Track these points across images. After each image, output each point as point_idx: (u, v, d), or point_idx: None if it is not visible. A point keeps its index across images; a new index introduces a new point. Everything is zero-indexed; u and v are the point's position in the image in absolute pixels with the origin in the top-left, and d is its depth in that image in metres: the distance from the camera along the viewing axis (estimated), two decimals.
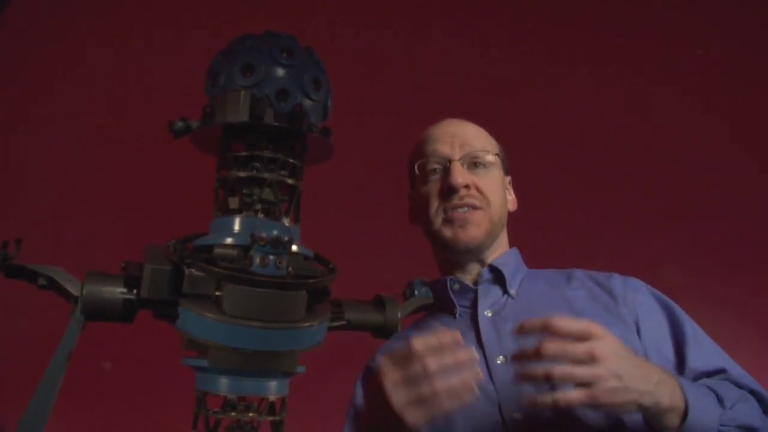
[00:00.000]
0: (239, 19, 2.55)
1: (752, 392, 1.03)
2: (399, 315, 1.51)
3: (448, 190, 1.11)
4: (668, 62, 3.19)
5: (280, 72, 1.35)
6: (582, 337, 0.81)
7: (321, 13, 2.84)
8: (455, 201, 1.11)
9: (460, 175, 1.12)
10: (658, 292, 1.16)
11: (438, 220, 1.15)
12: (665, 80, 3.16)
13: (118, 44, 2.61)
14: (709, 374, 1.04)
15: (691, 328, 1.10)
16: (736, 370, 1.06)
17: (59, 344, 1.29)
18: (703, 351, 1.07)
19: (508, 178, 1.25)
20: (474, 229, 1.12)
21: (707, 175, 3.10)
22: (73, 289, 1.30)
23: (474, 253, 1.14)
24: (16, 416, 1.27)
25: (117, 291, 1.30)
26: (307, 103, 1.37)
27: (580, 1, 3.20)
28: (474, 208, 1.13)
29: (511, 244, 1.28)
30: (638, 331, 1.08)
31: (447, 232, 1.13)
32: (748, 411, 0.96)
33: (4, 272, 1.29)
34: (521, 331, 0.85)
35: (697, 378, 1.04)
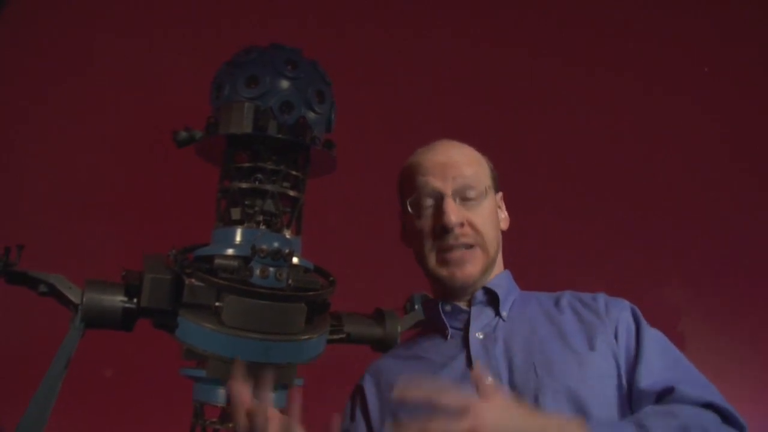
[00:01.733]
0: (244, 28, 2.56)
1: (709, 405, 1.01)
2: (399, 329, 1.51)
3: (442, 230, 1.10)
4: (675, 79, 3.18)
5: (285, 84, 1.36)
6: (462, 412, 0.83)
7: (327, 23, 2.85)
8: (450, 241, 1.10)
9: (453, 214, 1.10)
10: (638, 312, 1.15)
11: (432, 259, 1.13)
12: (672, 97, 3.15)
13: (123, 50, 2.61)
14: (658, 394, 1.03)
15: (651, 344, 1.08)
16: (687, 384, 1.03)
17: (58, 351, 1.30)
18: (651, 368, 1.05)
19: (500, 195, 1.23)
20: (470, 268, 1.11)
21: (712, 193, 3.09)
22: (74, 297, 1.30)
23: (470, 289, 1.14)
24: (15, 422, 1.27)
25: (117, 299, 1.30)
26: (311, 115, 1.37)
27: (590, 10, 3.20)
28: (469, 246, 1.12)
29: (511, 263, 1.27)
30: (617, 338, 1.08)
31: (443, 272, 1.12)
32: None
33: (5, 278, 1.30)
34: (402, 394, 0.87)
35: (645, 398, 1.03)
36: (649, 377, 1.04)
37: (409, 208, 1.15)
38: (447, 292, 1.16)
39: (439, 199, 1.12)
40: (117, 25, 2.68)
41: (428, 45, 3.06)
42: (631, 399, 1.04)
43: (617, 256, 2.88)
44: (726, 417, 1.00)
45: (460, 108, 2.82)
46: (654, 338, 1.10)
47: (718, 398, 1.02)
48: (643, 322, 1.11)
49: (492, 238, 1.15)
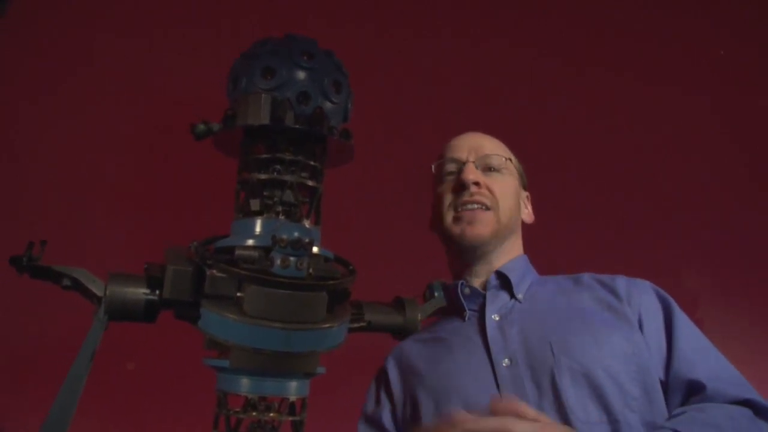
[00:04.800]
0: (244, 29, 2.57)
1: (745, 402, 1.02)
2: (419, 316, 1.51)
3: (460, 186, 1.17)
4: (690, 66, 3.19)
5: (301, 75, 1.36)
6: None
7: (346, 16, 2.86)
8: (466, 197, 1.16)
9: (471, 173, 1.18)
10: (663, 292, 1.17)
11: (449, 217, 1.20)
12: (687, 83, 3.16)
13: (123, 50, 2.62)
14: (692, 389, 1.04)
15: (683, 334, 1.10)
16: (721, 381, 1.04)
17: (83, 344, 1.31)
18: (684, 360, 1.07)
19: (526, 194, 1.29)
20: (481, 228, 1.16)
21: (729, 179, 3.09)
22: (97, 290, 1.31)
23: (480, 251, 1.17)
24: (40, 416, 1.28)
25: (139, 292, 1.31)
26: (328, 105, 1.38)
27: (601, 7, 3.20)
28: (484, 207, 1.16)
29: (529, 254, 1.29)
30: (642, 328, 1.10)
31: (456, 229, 1.18)
32: None
33: (29, 273, 1.31)
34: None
35: (678, 389, 1.04)
36: (682, 370, 1.05)
37: (433, 170, 1.21)
38: (461, 261, 1.19)
39: (462, 165, 1.18)
40: (117, 25, 2.70)
41: (428, 45, 3.07)
42: (664, 385, 1.05)
43: (636, 244, 2.89)
44: (759, 410, 1.02)
45: (481, 100, 2.84)
46: (686, 327, 1.11)
47: (751, 393, 1.03)
48: (675, 308, 1.13)
49: (507, 208, 1.18)
